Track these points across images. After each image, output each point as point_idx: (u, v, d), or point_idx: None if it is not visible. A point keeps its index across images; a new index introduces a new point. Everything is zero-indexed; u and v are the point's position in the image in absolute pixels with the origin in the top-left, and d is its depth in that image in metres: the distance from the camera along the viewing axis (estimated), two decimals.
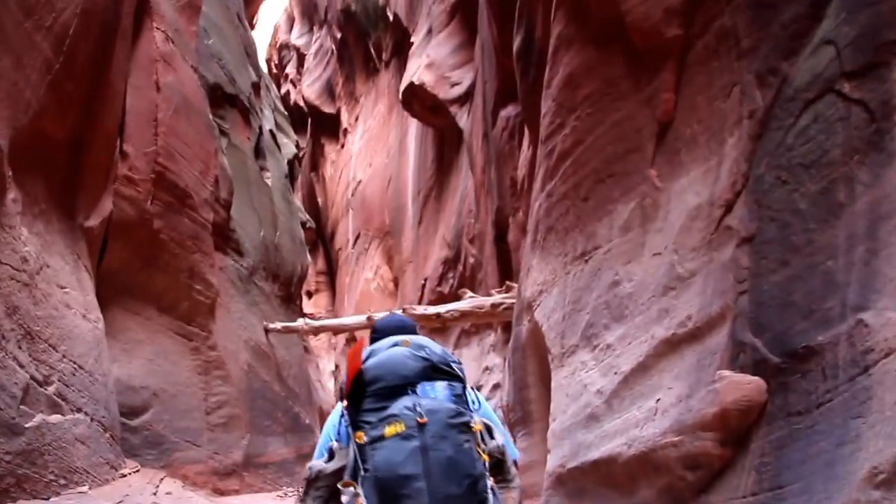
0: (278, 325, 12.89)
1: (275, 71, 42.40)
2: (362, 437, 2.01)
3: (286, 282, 14.53)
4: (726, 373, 3.24)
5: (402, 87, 21.24)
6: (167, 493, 7.72)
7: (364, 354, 2.21)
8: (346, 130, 38.19)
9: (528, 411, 7.11)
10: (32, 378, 6.02)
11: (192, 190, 10.25)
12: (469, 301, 12.29)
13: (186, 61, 11.07)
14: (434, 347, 2.24)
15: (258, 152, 14.44)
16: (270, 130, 16.63)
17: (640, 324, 4.06)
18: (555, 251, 5.90)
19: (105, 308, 9.18)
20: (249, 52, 16.73)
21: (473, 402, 2.20)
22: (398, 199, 28.83)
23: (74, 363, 7.14)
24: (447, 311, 12.03)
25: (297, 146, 22.46)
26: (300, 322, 12.41)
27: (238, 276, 12.10)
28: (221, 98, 13.06)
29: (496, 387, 17.23)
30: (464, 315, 12.11)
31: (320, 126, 39.68)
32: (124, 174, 9.19)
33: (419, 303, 17.55)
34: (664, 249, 4.06)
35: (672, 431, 3.42)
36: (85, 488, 6.75)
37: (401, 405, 2.02)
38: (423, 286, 22.43)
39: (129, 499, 6.99)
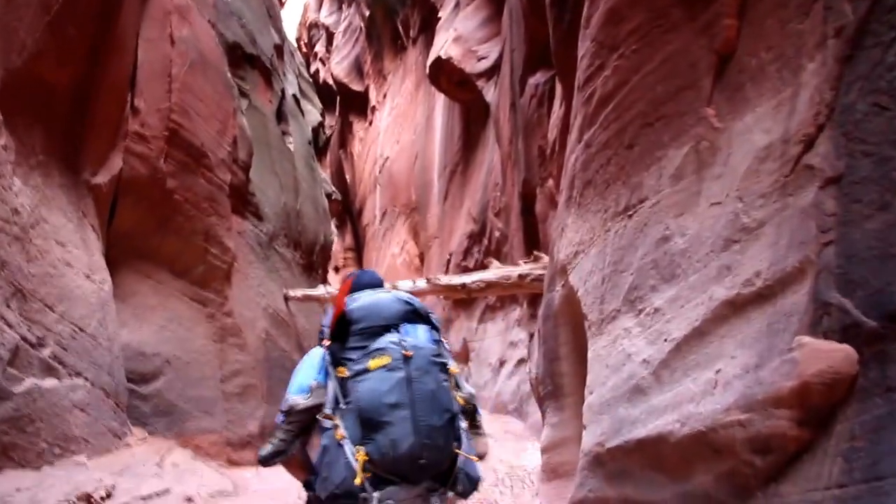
0: (298, 292, 12.42)
1: (304, 50, 42.70)
2: (344, 372, 2.08)
3: (308, 250, 14.04)
4: (806, 339, 2.66)
5: (429, 62, 21.18)
6: (174, 465, 7.32)
7: (349, 299, 2.29)
8: (374, 108, 38.62)
9: (559, 384, 6.57)
10: (24, 339, 5.58)
11: (209, 149, 9.78)
12: (495, 271, 11.73)
13: (203, 16, 10.57)
14: (413, 298, 2.34)
15: (280, 116, 13.91)
16: (294, 95, 16.10)
17: (695, 284, 3.47)
18: (593, 207, 5.30)
19: (115, 271, 8.79)
20: (272, 13, 16.16)
21: (448, 353, 2.29)
22: (424, 175, 28.92)
23: (74, 325, 6.72)
24: (473, 282, 11.48)
25: (322, 115, 21.95)
26: (321, 289, 11.92)
27: (257, 242, 11.62)
28: (241, 58, 12.52)
29: (521, 362, 16.80)
30: (490, 286, 11.55)
31: (349, 104, 39.99)
32: (135, 130, 8.73)
33: None
34: (725, 198, 3.46)
35: (737, 408, 2.84)
36: (82, 457, 6.35)
37: (386, 340, 2.10)
38: (449, 261, 22.33)
39: (130, 469, 6.59)
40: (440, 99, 26.41)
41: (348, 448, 2.04)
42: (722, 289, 3.22)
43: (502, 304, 19.49)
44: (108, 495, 5.80)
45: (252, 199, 11.46)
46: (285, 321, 12.28)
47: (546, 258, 11.76)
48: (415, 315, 2.27)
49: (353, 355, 2.11)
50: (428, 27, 25.93)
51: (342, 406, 2.08)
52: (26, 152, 6.32)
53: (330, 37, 40.15)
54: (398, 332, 2.17)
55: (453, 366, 2.24)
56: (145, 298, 9.12)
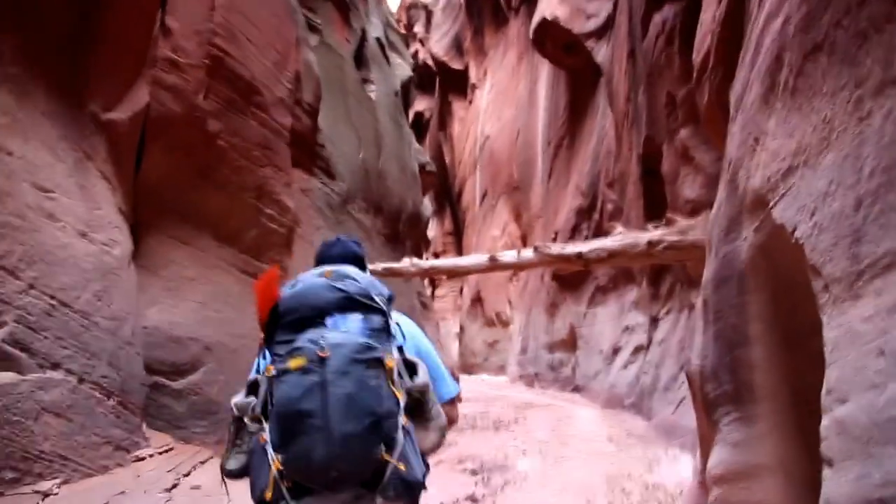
0: (378, 266, 10.36)
1: (403, 31, 42.64)
2: (271, 370, 1.90)
3: (392, 217, 11.93)
4: None
5: (532, 26, 20.27)
6: (193, 489, 5.39)
7: (290, 284, 2.09)
8: (474, 86, 38.92)
9: (746, 382, 4.34)
10: None
11: (262, 85, 7.83)
12: (619, 238, 9.42)
13: None
14: (359, 278, 2.10)
15: (360, 60, 11.84)
16: (378, 40, 13.94)
17: None
18: (830, 85, 3.01)
19: (143, 234, 7.00)
20: None
21: (396, 337, 2.08)
22: (527, 151, 28.13)
23: (52, 298, 4.87)
24: (591, 251, 9.20)
25: (414, 69, 20.07)
26: (405, 262, 9.83)
27: (327, 204, 9.60)
28: None
29: (638, 350, 14.68)
30: (612, 255, 9.25)
31: (448, 83, 40.16)
32: (166, 56, 6.89)
33: None
34: None
35: None
36: (51, 483, 4.49)
37: (305, 338, 1.92)
38: (554, 240, 21.33)
39: (120, 499, 4.68)
40: (544, 71, 25.83)
41: (270, 454, 1.85)
42: None
43: (615, 285, 17.74)
44: None
45: (321, 153, 9.45)
46: None
47: (683, 221, 9.46)
48: (349, 302, 2.01)
49: (281, 350, 1.90)
50: None
51: (270, 407, 1.89)
52: None
53: (429, 15, 40.39)
54: (324, 325, 1.96)
55: (391, 358, 1.95)
56: (182, 269, 7.27)
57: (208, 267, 7.47)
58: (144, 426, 6.05)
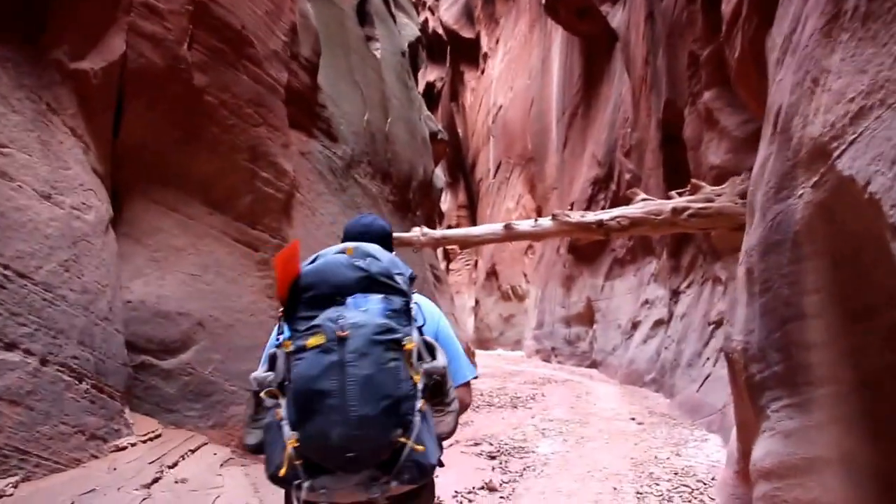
0: None
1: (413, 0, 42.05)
2: (289, 346, 1.93)
3: (401, 184, 11.20)
4: None
5: None
6: (178, 483, 4.79)
7: (310, 259, 2.12)
8: (485, 55, 38.82)
9: (800, 363, 3.83)
10: None
11: (254, 35, 7.12)
12: (641, 205, 8.75)
13: None
14: (381, 257, 2.10)
15: (363, 16, 11.05)
16: None
17: None
18: None
19: (125, 199, 6.40)
20: None
21: (416, 318, 2.05)
22: (541, 121, 27.79)
23: (5, 268, 4.25)
24: (612, 219, 8.53)
25: (423, 36, 19.31)
26: (415, 232, 9.14)
27: (329, 168, 8.91)
28: None
29: (658, 324, 14.19)
30: (634, 224, 8.60)
31: (459, 53, 39.49)
32: (145, 0, 6.20)
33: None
34: None
35: None
36: (8, 482, 3.89)
37: (325, 316, 1.92)
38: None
39: (89, 497, 4.08)
40: (557, 38, 25.43)
41: (286, 431, 1.86)
42: None
43: (633, 257, 17.31)
44: None
45: (322, 113, 8.74)
46: None
47: (708, 188, 8.78)
48: (371, 283, 2.01)
49: (301, 326, 1.94)
50: None
51: (287, 383, 1.91)
52: None
53: None
54: (344, 304, 1.96)
55: (411, 340, 1.94)
56: (170, 238, 6.64)
57: (199, 235, 6.83)
58: (127, 411, 5.44)
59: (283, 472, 1.85)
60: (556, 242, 22.92)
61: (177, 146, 6.67)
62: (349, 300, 1.97)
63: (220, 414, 6.55)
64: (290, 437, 1.85)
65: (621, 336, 17.01)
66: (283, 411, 1.89)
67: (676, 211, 8.52)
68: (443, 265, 30.57)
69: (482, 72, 39.74)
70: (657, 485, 6.03)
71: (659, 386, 12.74)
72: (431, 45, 35.74)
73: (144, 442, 5.37)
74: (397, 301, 2.01)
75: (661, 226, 8.81)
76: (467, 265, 38.93)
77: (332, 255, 2.10)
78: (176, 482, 4.79)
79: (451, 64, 41.07)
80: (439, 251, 28.70)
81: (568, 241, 21.20)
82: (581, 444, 7.83)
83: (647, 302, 15.68)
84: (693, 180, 9.02)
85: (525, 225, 9.02)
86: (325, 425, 1.81)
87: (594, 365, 18.50)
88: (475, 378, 2.37)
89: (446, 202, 38.69)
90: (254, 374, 2.01)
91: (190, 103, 6.60)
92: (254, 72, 7.13)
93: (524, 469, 6.67)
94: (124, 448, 5.06)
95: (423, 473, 1.94)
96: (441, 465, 2.08)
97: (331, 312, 1.92)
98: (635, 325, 16.09)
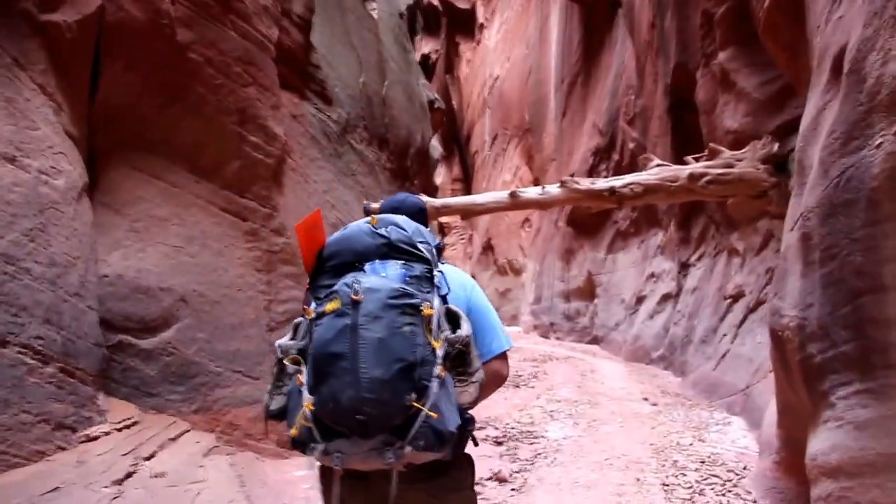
0: None
1: None
2: (311, 313, 1.94)
3: (399, 151, 10.63)
4: None
5: None
6: (156, 476, 4.31)
7: (339, 231, 2.13)
8: (481, 26, 38.52)
9: (877, 343, 3.41)
10: None
11: None
12: (656, 171, 8.22)
13: None
14: (405, 226, 2.10)
15: None
16: None
17: None
18: None
19: (103, 164, 5.88)
20: None
21: (440, 287, 2.04)
22: (539, 91, 27.24)
23: None
24: (625, 186, 8.00)
25: (418, 7, 18.66)
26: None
27: (323, 132, 8.33)
28: None
29: (666, 298, 13.73)
30: (648, 191, 8.07)
31: (455, 24, 38.61)
32: None
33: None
34: None
35: None
36: None
37: (342, 282, 1.93)
38: None
39: (52, 497, 3.61)
40: (555, 7, 25.08)
41: (305, 395, 1.87)
42: None
43: (637, 229, 16.80)
44: None
45: (315, 74, 8.16)
46: None
47: (728, 152, 8.27)
48: (390, 249, 2.03)
49: (321, 294, 1.94)
50: None
51: (309, 350, 1.92)
52: None
53: None
54: (363, 270, 1.98)
55: (430, 306, 1.91)
56: (151, 207, 6.11)
57: (183, 205, 6.30)
58: (101, 396, 4.96)
59: (294, 431, 1.86)
60: (554, 215, 22.45)
61: (159, 108, 6.12)
62: (367, 266, 1.98)
63: (205, 397, 6.07)
64: (307, 401, 1.85)
65: (625, 311, 16.56)
66: (303, 377, 1.90)
67: (694, 177, 7.99)
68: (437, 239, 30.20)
69: (478, 43, 39.23)
70: (684, 475, 5.57)
71: (668, 363, 12.30)
72: (427, 17, 35.15)
73: (119, 430, 4.90)
74: (418, 268, 2.00)
75: (677, 193, 8.29)
76: (462, 239, 38.53)
77: (356, 225, 2.09)
78: (152, 477, 4.32)
79: (447, 35, 40.49)
80: (434, 224, 28.24)
81: (567, 214, 20.72)
82: (594, 427, 7.37)
83: (652, 275, 15.20)
84: (711, 144, 8.48)
85: (532, 192, 8.50)
86: (336, 387, 1.81)
87: (595, 341, 18.09)
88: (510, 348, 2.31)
89: (440, 175, 38.20)
90: (278, 342, 2.02)
91: (173, 61, 6.04)
92: (242, 27, 6.56)
93: (535, 456, 6.21)
94: (96, 438, 4.59)
95: (441, 440, 1.87)
96: (476, 443, 2.16)
97: (348, 278, 1.91)
98: (640, 300, 15.63)
